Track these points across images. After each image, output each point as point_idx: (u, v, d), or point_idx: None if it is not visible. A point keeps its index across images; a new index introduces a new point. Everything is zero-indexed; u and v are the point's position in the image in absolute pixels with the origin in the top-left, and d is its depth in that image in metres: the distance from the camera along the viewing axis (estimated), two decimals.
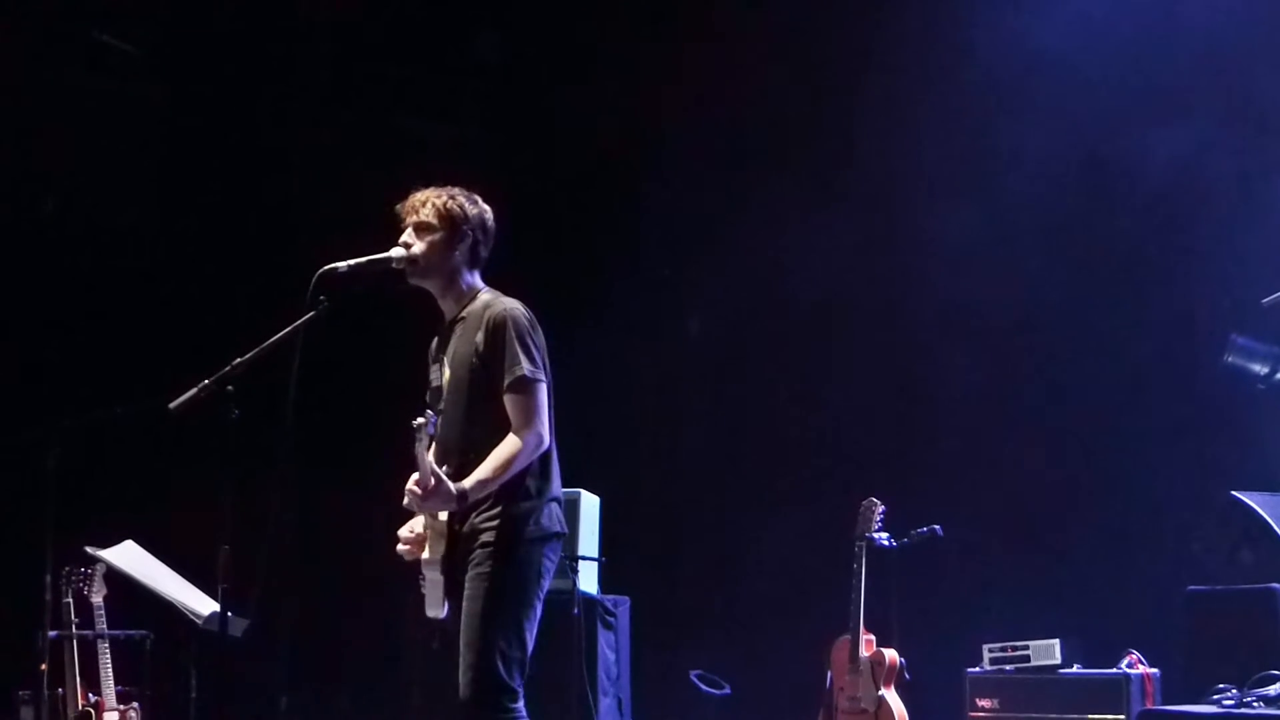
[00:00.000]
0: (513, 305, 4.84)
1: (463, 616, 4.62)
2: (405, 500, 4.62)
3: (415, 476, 4.58)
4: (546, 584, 4.75)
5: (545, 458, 4.79)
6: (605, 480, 7.74)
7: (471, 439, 4.74)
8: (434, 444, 4.77)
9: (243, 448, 4.53)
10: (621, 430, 8.80)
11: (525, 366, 4.69)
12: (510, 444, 4.67)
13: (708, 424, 9.12)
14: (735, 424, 9.04)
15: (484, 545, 4.65)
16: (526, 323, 4.78)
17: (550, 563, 4.76)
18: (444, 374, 4.88)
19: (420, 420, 4.46)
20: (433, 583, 4.76)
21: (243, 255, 8.94)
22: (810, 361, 8.76)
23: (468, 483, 4.61)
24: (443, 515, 4.72)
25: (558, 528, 4.79)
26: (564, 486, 4.92)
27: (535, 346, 4.77)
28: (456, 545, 4.72)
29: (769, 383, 8.91)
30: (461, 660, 4.60)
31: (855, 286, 8.41)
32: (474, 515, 4.70)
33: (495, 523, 4.65)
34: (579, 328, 8.16)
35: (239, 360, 4.52)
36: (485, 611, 4.59)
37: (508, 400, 4.68)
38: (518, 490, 4.71)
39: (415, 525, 4.80)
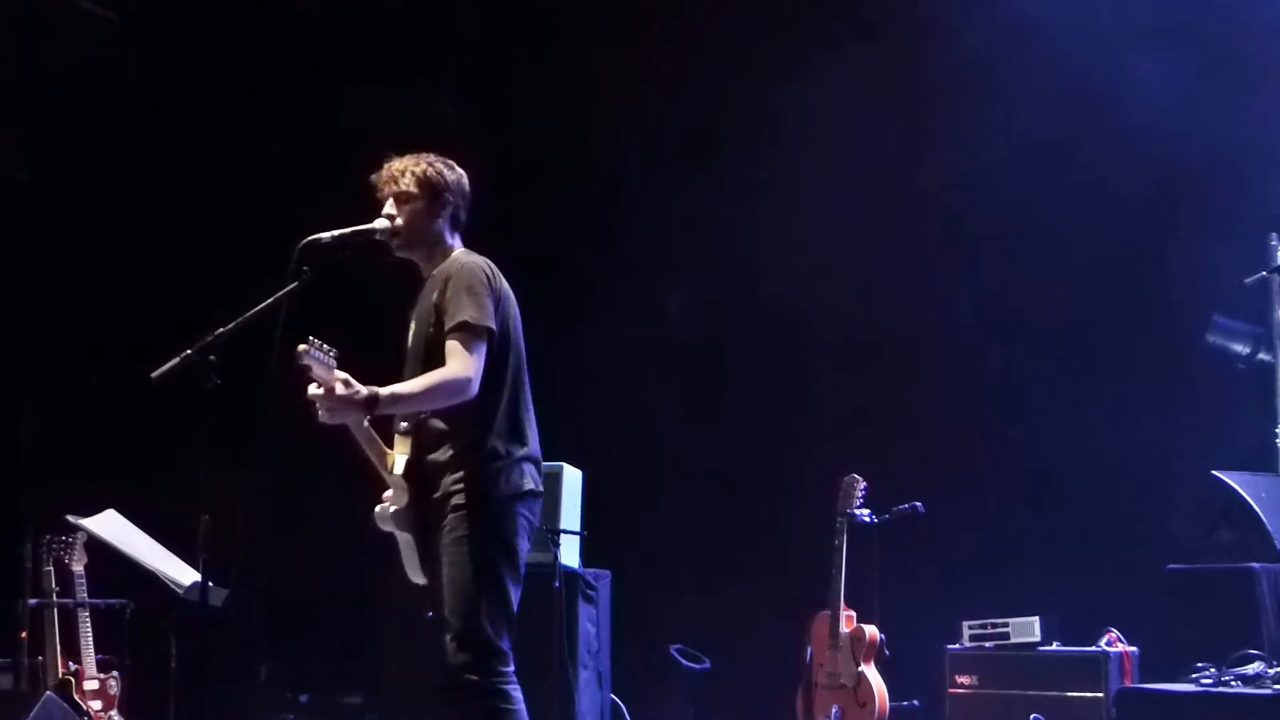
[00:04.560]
0: (475, 259, 4.83)
1: (444, 583, 4.59)
2: (320, 415, 4.52)
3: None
4: (525, 544, 4.71)
5: (513, 418, 4.75)
6: (587, 455, 7.72)
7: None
8: None
9: (224, 417, 4.52)
10: (603, 405, 8.77)
11: (470, 312, 4.64)
12: (436, 372, 4.62)
13: (688, 399, 9.10)
14: (716, 399, 9.03)
15: (455, 509, 4.63)
16: (483, 275, 4.74)
17: (525, 520, 4.72)
18: (410, 332, 4.90)
19: (303, 346, 4.39)
20: (405, 544, 4.74)
21: (224, 223, 8.91)
22: (790, 337, 8.75)
23: (383, 390, 4.55)
24: (398, 466, 4.69)
25: (531, 484, 4.74)
26: (546, 461, 4.90)
27: (489, 298, 4.71)
28: (429, 508, 4.70)
29: (749, 358, 8.90)
30: (446, 627, 4.57)
31: (835, 263, 8.40)
32: (442, 476, 4.68)
33: (463, 484, 4.63)
34: (559, 303, 8.14)
35: (221, 330, 4.50)
36: (465, 575, 4.57)
37: (447, 341, 4.65)
38: (483, 451, 4.68)
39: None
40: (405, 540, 4.76)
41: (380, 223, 4.85)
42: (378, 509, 4.75)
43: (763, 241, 8.55)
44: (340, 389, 4.49)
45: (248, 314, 4.59)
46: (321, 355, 4.43)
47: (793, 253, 8.41)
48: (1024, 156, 7.87)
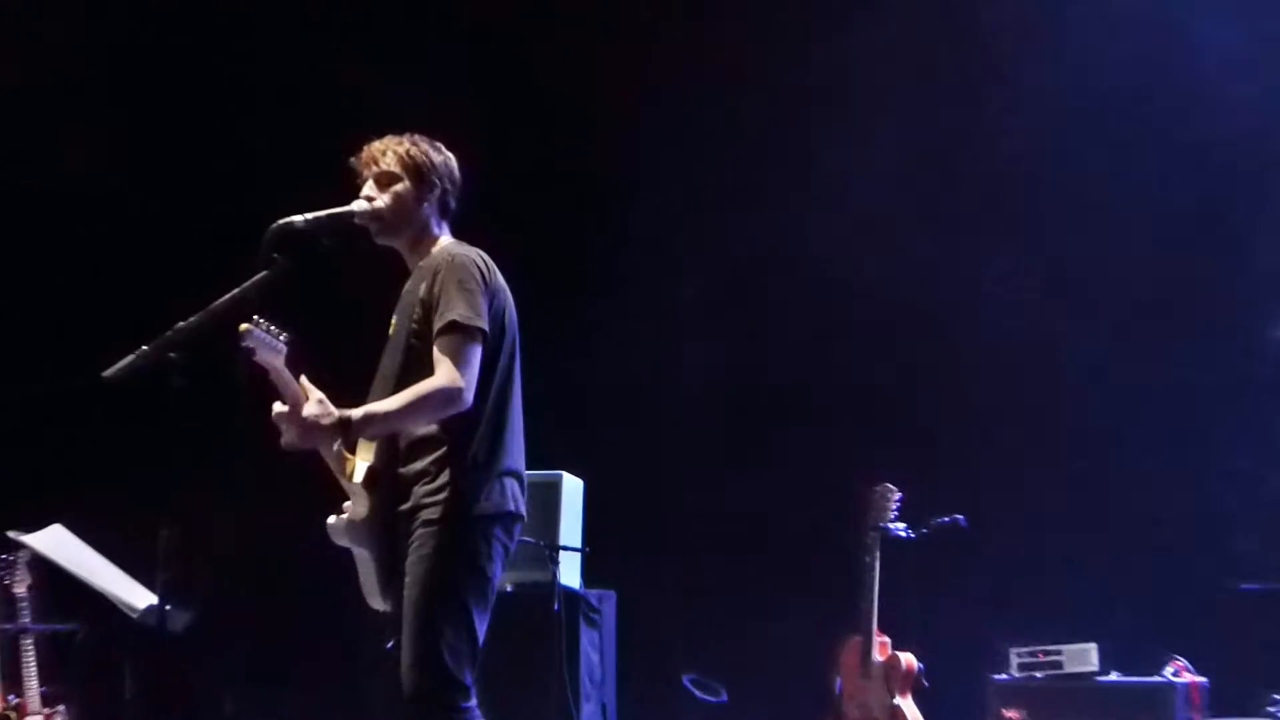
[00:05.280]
0: (467, 251, 4.83)
1: (404, 604, 4.60)
2: (284, 438, 4.55)
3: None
4: (499, 569, 4.70)
5: (498, 425, 4.74)
6: (590, 462, 7.71)
7: (404, 381, 4.68)
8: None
9: (188, 421, 4.48)
10: (608, 407, 8.76)
11: (461, 311, 4.64)
12: (422, 385, 4.60)
13: (704, 402, 9.07)
14: (735, 403, 9.01)
15: (426, 524, 4.61)
16: (476, 269, 4.75)
17: (503, 545, 4.70)
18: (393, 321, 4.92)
19: (246, 326, 4.38)
20: (363, 561, 4.74)
21: (191, 212, 8.91)
22: (819, 332, 8.73)
23: (356, 411, 4.56)
24: (357, 474, 4.68)
25: (512, 506, 4.73)
26: (544, 469, 4.92)
27: (482, 295, 4.71)
28: (396, 521, 4.69)
29: (773, 356, 8.87)
30: (404, 654, 4.57)
31: (870, 251, 8.40)
32: (414, 486, 4.67)
33: (437, 497, 4.61)
34: (562, 296, 8.13)
35: (182, 324, 4.48)
36: (428, 597, 4.55)
37: (435, 344, 4.65)
38: (462, 461, 4.66)
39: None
40: (363, 557, 4.75)
41: (359, 204, 4.84)
42: (332, 520, 4.74)
43: (790, 224, 8.55)
44: (310, 409, 4.50)
45: (213, 306, 4.56)
46: (267, 338, 4.43)
47: (823, 235, 8.40)
48: (1088, 123, 7.94)
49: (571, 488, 7.59)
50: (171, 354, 4.44)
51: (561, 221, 8.98)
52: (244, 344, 4.37)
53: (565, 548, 7.35)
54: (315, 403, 4.51)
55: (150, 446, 4.65)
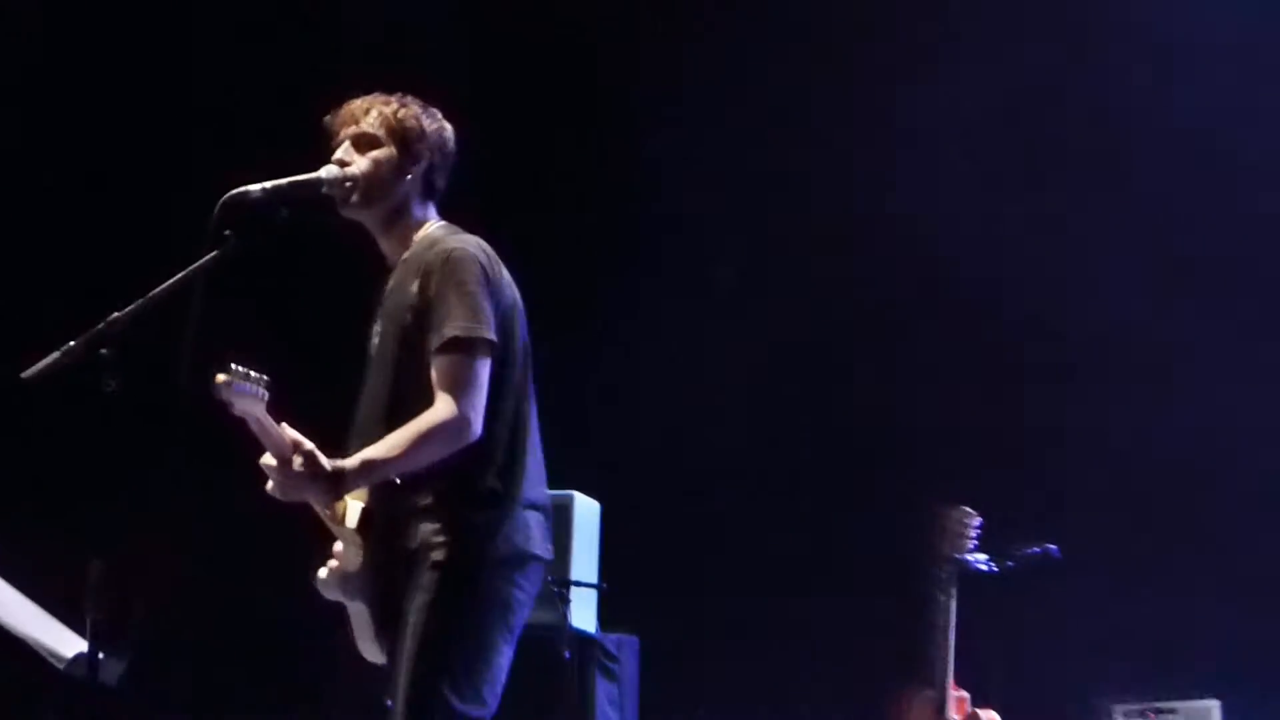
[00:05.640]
0: (465, 243, 4.81)
1: (400, 658, 4.57)
2: (270, 488, 4.55)
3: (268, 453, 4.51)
4: (518, 622, 4.69)
5: (513, 450, 4.73)
6: (608, 481, 7.73)
7: (396, 421, 4.64)
8: (353, 430, 4.76)
9: (123, 431, 4.53)
10: (629, 417, 8.72)
11: (462, 323, 4.62)
12: (422, 420, 4.58)
13: (741, 410, 8.97)
14: (776, 411, 8.97)
15: (433, 566, 4.60)
16: (479, 266, 4.72)
17: (524, 593, 4.69)
18: (374, 336, 4.91)
19: (222, 376, 4.31)
20: (358, 614, 4.74)
21: (129, 183, 8.88)
22: (878, 328, 8.73)
23: (351, 461, 4.55)
24: (349, 518, 4.67)
25: (536, 548, 4.73)
26: (553, 488, 4.90)
27: (486, 298, 4.69)
28: (395, 565, 4.67)
29: (822, 355, 8.83)
30: (395, 716, 4.54)
31: (948, 236, 8.35)
32: (418, 524, 4.65)
33: (444, 538, 4.60)
34: (573, 289, 8.15)
35: (116, 316, 4.44)
36: (429, 656, 4.53)
37: (434, 366, 4.62)
38: (473, 495, 4.65)
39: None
40: (358, 610, 4.75)
41: (328, 170, 4.81)
42: (321, 574, 4.73)
43: (850, 203, 8.55)
44: (298, 463, 4.48)
45: (151, 294, 4.52)
46: (247, 387, 4.36)
47: (886, 220, 8.41)
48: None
49: (586, 511, 7.59)
50: (103, 350, 4.39)
51: (576, 191, 9.00)
52: (221, 398, 4.31)
53: (577, 583, 7.35)
54: (305, 455, 4.49)
55: (76, 462, 4.54)
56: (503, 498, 4.68)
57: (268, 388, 4.37)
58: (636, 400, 8.85)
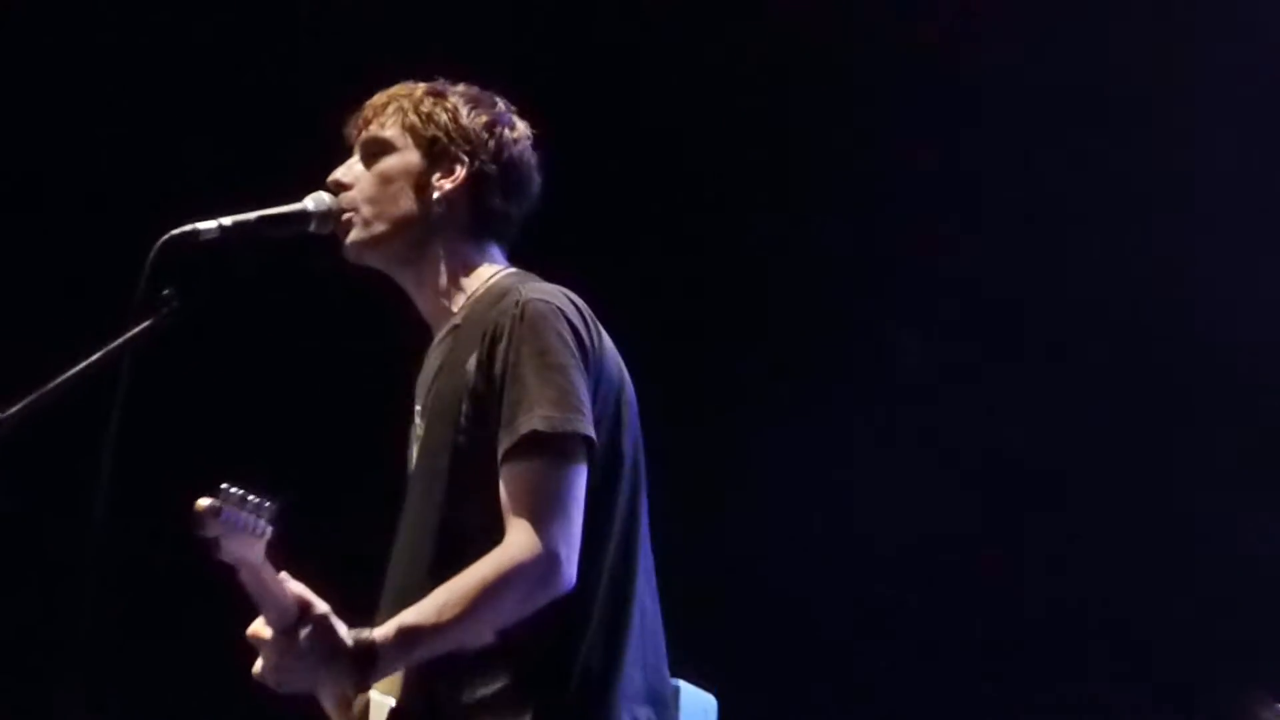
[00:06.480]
0: (547, 294, 3.93)
1: None
2: (262, 670, 3.75)
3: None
4: None
5: (617, 613, 3.88)
6: (727, 670, 6.24)
7: (449, 566, 3.81)
8: (386, 583, 3.94)
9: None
10: (757, 584, 7.84)
11: (545, 413, 3.75)
12: (490, 563, 3.73)
13: (932, 559, 8.00)
14: (945, 586, 7.92)
15: None
16: (565, 324, 3.85)
17: None
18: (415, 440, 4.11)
19: (206, 502, 3.53)
20: None
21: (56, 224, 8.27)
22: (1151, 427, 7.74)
23: (384, 630, 3.72)
24: (375, 716, 3.89)
25: None
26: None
27: (578, 373, 3.86)
28: None
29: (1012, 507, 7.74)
30: None
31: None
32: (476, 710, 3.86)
33: None
34: (684, 392, 7.23)
35: (10, 412, 3.81)
36: None
37: (505, 479, 3.79)
38: (561, 682, 3.80)
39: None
40: None
41: (317, 199, 4.04)
42: None
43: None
44: (306, 635, 3.67)
45: (56, 380, 3.86)
46: (242, 518, 3.60)
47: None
48: None
49: (697, 708, 6.13)
50: None
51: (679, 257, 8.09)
52: (204, 535, 3.56)
53: None
54: (316, 622, 3.66)
55: None
56: (601, 687, 3.86)
57: (272, 519, 3.60)
58: (767, 567, 7.91)
